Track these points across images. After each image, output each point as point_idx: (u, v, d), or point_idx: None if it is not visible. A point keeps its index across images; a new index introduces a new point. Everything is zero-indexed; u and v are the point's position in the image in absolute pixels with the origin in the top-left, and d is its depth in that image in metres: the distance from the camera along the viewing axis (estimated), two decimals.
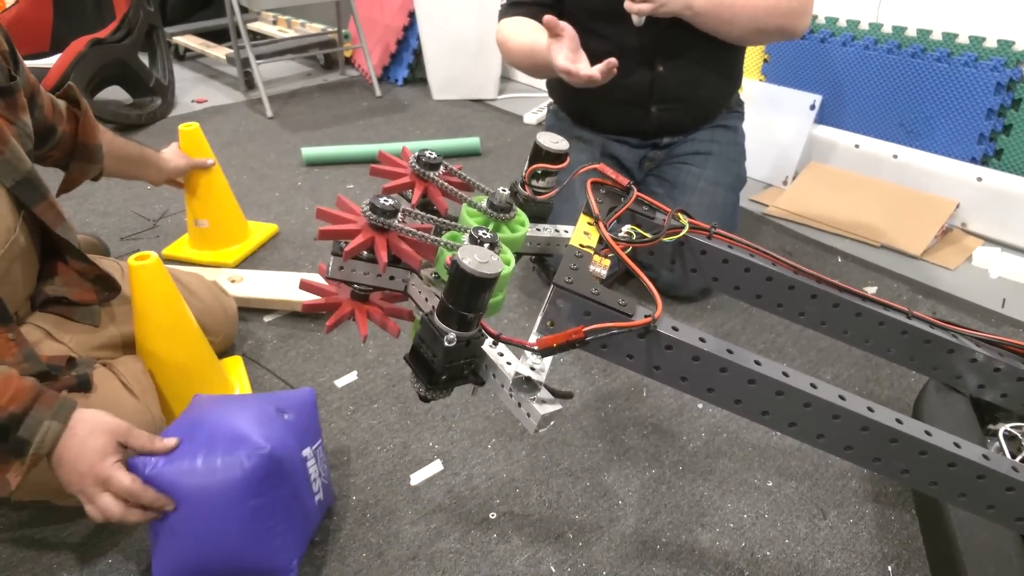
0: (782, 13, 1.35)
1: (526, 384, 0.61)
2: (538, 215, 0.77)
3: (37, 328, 1.09)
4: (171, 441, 0.90)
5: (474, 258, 0.55)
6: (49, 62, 2.33)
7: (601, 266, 0.64)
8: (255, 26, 3.33)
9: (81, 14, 2.59)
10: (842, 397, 0.61)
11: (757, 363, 0.61)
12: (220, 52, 3.01)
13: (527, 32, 1.41)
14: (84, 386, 1.03)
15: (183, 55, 3.38)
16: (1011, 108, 1.68)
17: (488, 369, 0.63)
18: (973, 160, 1.75)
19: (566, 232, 0.78)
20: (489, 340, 0.62)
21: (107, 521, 0.87)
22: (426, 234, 0.65)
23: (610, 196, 0.75)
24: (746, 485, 1.08)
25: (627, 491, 1.07)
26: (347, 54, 3.13)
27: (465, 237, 0.64)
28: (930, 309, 1.47)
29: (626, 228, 0.73)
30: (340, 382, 1.31)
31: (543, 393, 0.61)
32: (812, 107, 1.94)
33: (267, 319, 1.48)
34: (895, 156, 1.82)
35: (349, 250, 0.65)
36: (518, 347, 0.60)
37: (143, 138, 2.43)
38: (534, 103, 2.66)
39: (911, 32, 1.81)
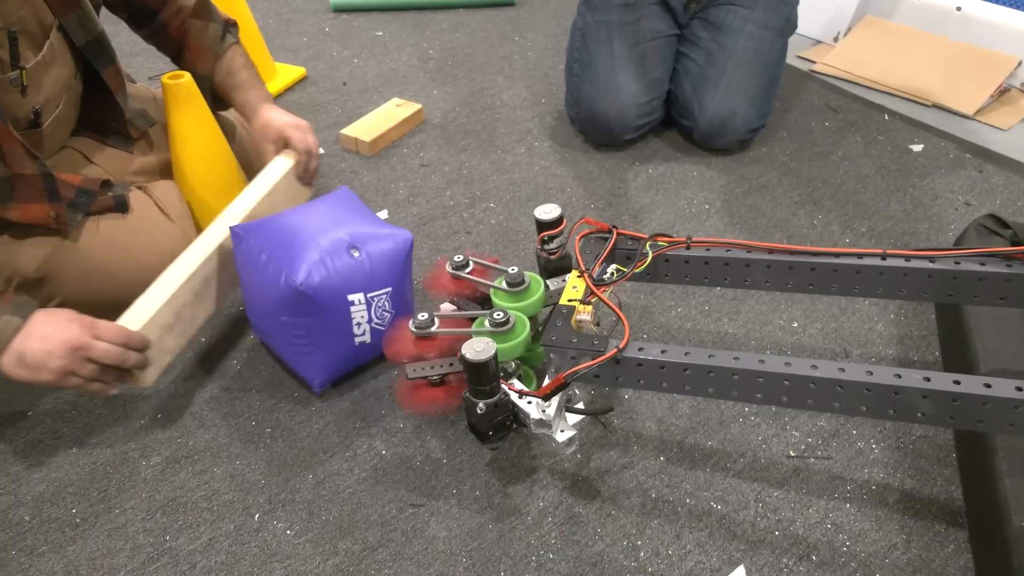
0: None
1: (540, 423, 0.78)
2: (559, 269, 0.91)
3: (74, 151, 1.10)
4: (139, 338, 0.87)
5: (472, 349, 0.72)
6: None
7: (586, 313, 0.78)
8: None
9: None
10: (788, 364, 0.70)
11: (710, 356, 0.71)
12: None
13: None
14: (121, 207, 1.04)
15: None
16: None
17: (521, 416, 0.80)
18: None
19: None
20: (514, 395, 0.78)
21: (95, 388, 0.86)
22: (458, 328, 0.84)
23: (599, 241, 0.88)
24: (771, 325, 1.09)
25: (651, 327, 1.09)
26: None
27: (486, 322, 0.81)
28: (976, 168, 1.42)
29: (611, 268, 0.84)
30: None
31: (563, 423, 0.79)
32: None
33: None
34: (958, 8, 1.70)
35: (408, 362, 0.85)
36: (531, 396, 0.78)
37: None
38: None
39: None
